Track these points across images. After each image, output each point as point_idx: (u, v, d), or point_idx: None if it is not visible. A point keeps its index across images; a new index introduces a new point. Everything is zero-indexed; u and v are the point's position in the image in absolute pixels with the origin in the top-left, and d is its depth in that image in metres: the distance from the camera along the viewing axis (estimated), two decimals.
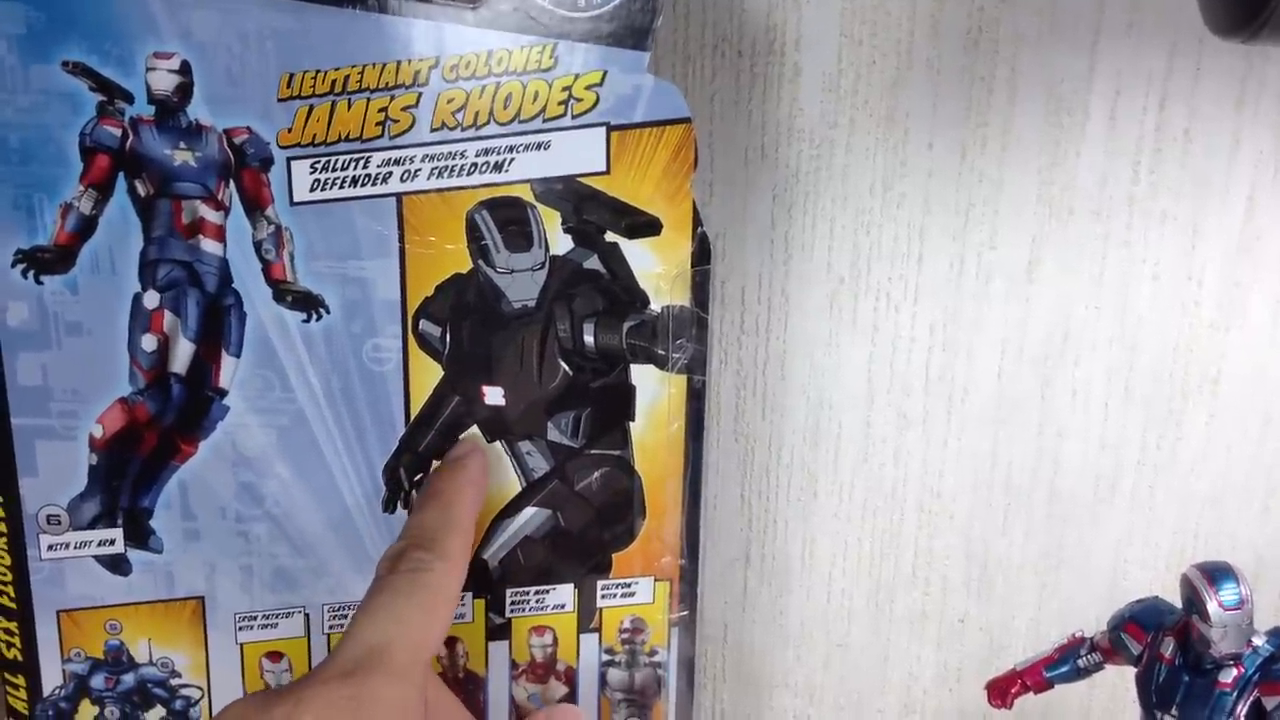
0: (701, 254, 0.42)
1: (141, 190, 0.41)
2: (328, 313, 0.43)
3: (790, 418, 0.56)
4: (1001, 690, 0.48)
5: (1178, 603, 0.43)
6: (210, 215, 0.42)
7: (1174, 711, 0.42)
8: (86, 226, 0.41)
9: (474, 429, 0.45)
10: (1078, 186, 0.50)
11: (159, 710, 0.47)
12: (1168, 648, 0.43)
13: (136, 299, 0.42)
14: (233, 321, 0.43)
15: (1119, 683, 0.56)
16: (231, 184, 0.41)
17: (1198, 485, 0.54)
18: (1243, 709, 0.41)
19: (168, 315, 0.43)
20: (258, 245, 0.42)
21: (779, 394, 0.56)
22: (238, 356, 0.43)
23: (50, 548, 0.45)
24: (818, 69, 0.50)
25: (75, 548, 0.45)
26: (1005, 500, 0.55)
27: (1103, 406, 0.53)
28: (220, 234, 0.42)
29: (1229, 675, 0.41)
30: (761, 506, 0.58)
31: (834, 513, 0.57)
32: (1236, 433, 0.53)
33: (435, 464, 0.44)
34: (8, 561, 0.45)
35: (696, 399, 0.44)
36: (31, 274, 0.42)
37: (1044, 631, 0.56)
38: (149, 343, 0.43)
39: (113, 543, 0.45)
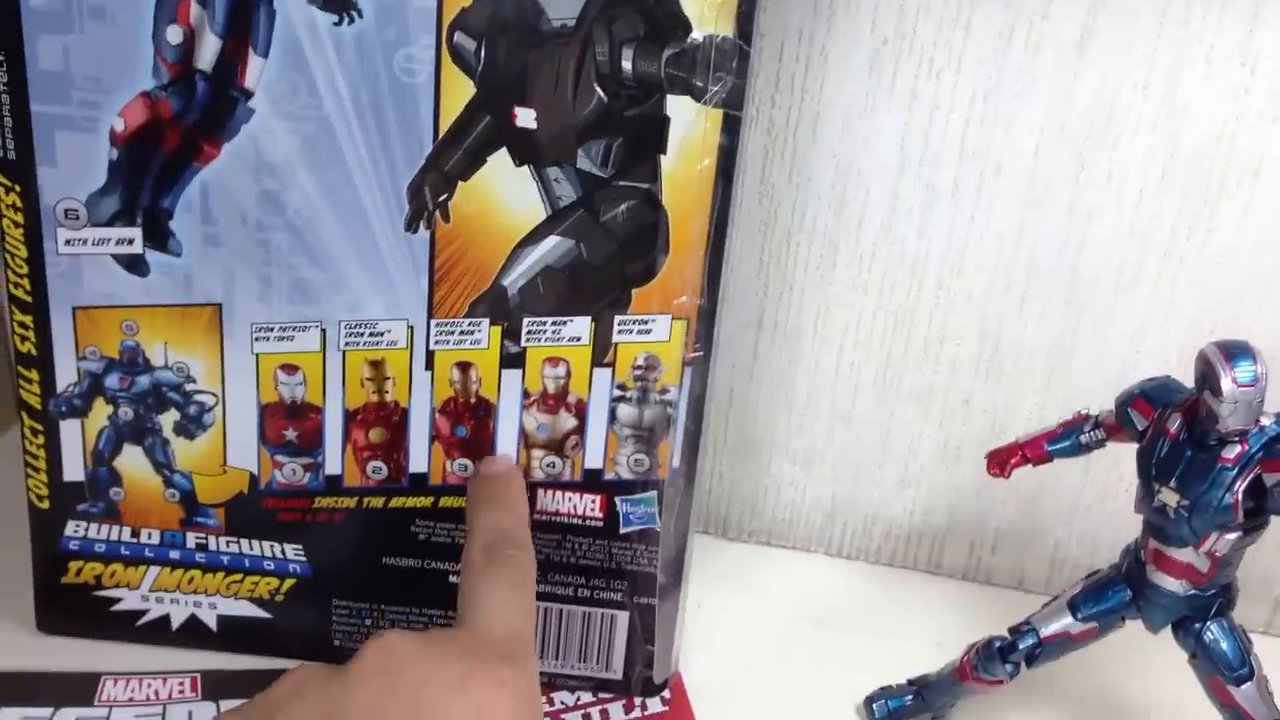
0: None
1: None
2: (360, 16, 0.41)
3: (816, 183, 0.55)
4: (1001, 460, 0.49)
5: (1190, 385, 0.43)
6: None
7: (1173, 484, 0.43)
8: None
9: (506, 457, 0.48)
10: None
11: (173, 414, 0.48)
12: (1174, 423, 0.43)
13: None
14: (261, 18, 0.42)
15: (1113, 469, 0.57)
16: None
17: (1221, 279, 0.53)
18: (1241, 485, 0.41)
19: (195, 6, 0.42)
20: None
21: (808, 157, 0.55)
22: (265, 56, 0.42)
23: (68, 242, 0.45)
24: None
25: (93, 244, 0.45)
26: (1025, 282, 0.55)
27: (1137, 192, 0.52)
28: None
29: (1232, 451, 0.41)
30: (779, 272, 0.58)
31: (851, 284, 0.57)
32: (1269, 228, 0.52)
33: (461, 185, 0.43)
34: (24, 254, 0.45)
35: (730, 136, 0.43)
36: None
37: (1048, 416, 0.56)
38: (174, 34, 0.42)
39: (131, 242, 0.45)
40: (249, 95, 0.43)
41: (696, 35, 0.41)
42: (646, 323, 0.46)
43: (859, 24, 0.52)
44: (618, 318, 0.46)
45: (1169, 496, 0.43)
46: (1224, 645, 0.43)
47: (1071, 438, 0.48)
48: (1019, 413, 0.58)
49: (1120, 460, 0.54)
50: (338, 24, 0.41)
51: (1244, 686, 0.43)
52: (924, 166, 0.54)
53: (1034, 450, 0.48)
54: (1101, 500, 0.59)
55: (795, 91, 0.54)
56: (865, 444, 0.60)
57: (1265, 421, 0.42)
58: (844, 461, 0.61)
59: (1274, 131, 0.50)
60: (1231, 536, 0.42)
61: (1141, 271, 0.54)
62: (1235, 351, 0.41)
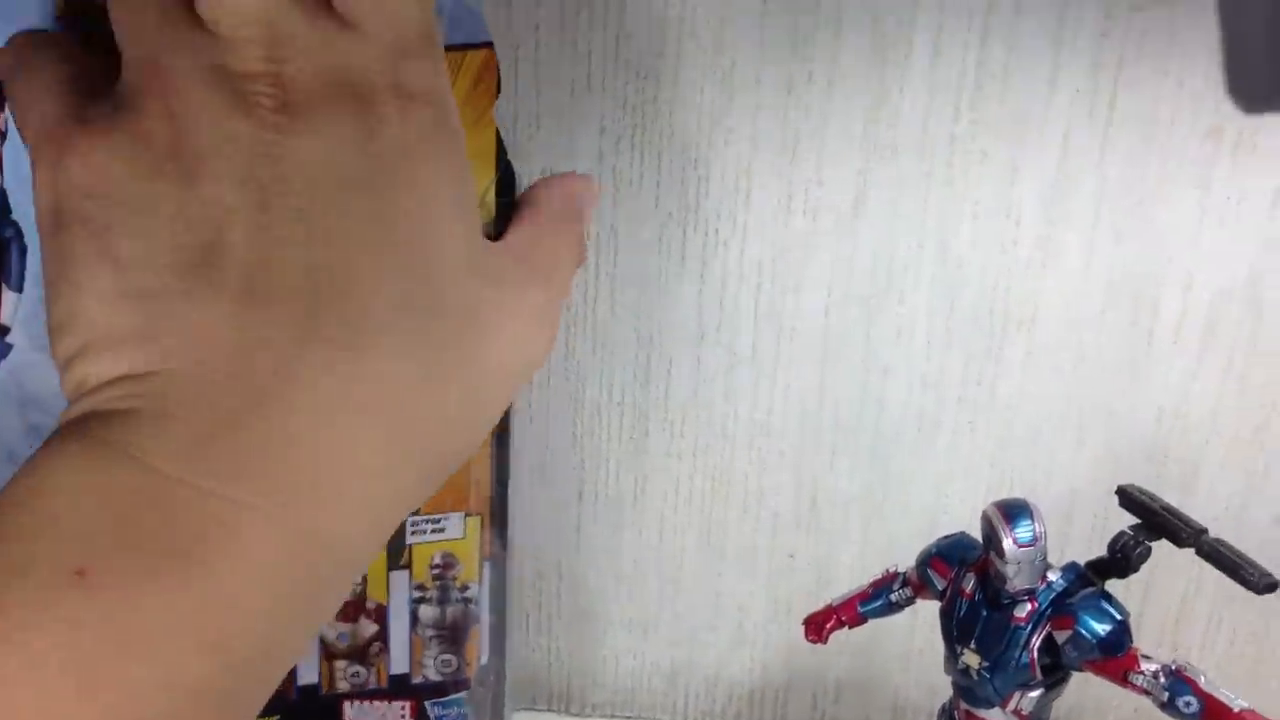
0: (506, 185, 0.41)
1: None
2: None
3: (620, 355, 0.56)
4: (818, 626, 0.49)
5: None
6: None
7: (973, 645, 0.43)
8: None
9: None
10: (901, 124, 0.50)
11: None
12: (969, 583, 0.43)
13: None
14: (13, 255, 0.41)
15: None
16: (7, 109, 0.39)
17: (1015, 421, 0.55)
18: (1037, 641, 0.42)
19: None
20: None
21: (609, 331, 0.55)
22: (19, 291, 0.41)
23: None
24: None
25: None
26: (833, 436, 0.56)
27: (925, 344, 0.54)
28: None
29: (1023, 610, 0.42)
30: (593, 445, 0.57)
31: (665, 450, 0.57)
32: (1051, 370, 0.54)
33: None
34: None
35: None
36: None
37: (869, 565, 0.56)
38: None
39: None
40: (5, 331, 0.41)
41: None
42: (439, 521, 0.45)
43: (643, 201, 0.53)
44: (410, 518, 0.45)
45: (970, 659, 0.43)
46: None
47: (882, 597, 0.48)
48: (841, 563, 0.58)
49: None
50: None
51: None
52: (722, 332, 0.55)
53: (848, 613, 0.48)
54: (933, 643, 0.58)
55: (590, 267, 0.54)
56: (697, 606, 0.60)
57: (1052, 577, 0.42)
58: (678, 625, 0.60)
59: (1042, 279, 0.52)
60: (1035, 694, 0.42)
61: (940, 419, 0.55)
62: (1014, 511, 0.42)
